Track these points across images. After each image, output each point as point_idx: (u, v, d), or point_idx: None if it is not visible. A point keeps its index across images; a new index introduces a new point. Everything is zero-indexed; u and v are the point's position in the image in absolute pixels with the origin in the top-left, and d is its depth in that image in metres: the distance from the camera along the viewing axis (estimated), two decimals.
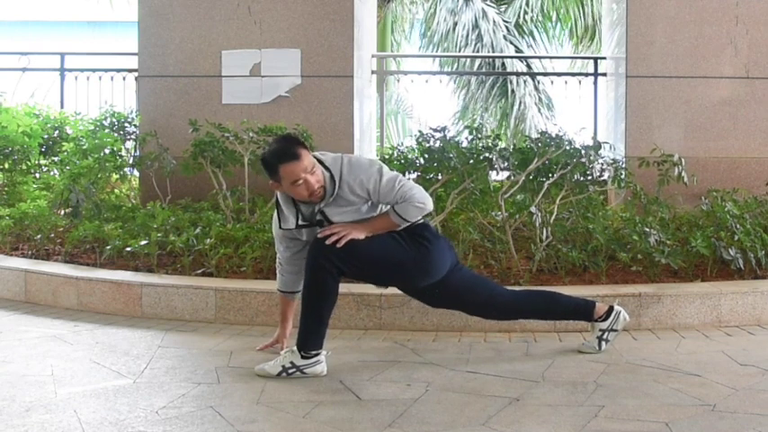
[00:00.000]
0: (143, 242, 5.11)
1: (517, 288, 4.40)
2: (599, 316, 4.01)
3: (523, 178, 5.25)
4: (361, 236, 3.59)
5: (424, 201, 3.63)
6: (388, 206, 3.66)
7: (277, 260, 3.98)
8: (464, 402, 3.30)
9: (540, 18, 14.33)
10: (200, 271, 4.97)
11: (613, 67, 7.08)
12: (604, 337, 4.01)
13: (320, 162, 3.64)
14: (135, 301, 4.78)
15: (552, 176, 5.28)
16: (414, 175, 5.46)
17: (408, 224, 3.67)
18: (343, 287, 4.55)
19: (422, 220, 3.77)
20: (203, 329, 4.48)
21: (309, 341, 3.65)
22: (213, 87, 6.78)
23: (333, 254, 3.56)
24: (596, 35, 13.56)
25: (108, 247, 5.19)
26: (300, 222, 3.72)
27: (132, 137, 6.82)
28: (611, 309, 4.04)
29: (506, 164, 5.34)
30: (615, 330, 4.02)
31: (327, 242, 3.56)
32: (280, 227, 3.80)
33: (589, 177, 5.45)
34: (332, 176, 3.60)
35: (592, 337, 4.04)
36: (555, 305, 4.05)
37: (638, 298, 4.48)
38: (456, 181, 5.34)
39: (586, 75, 7.96)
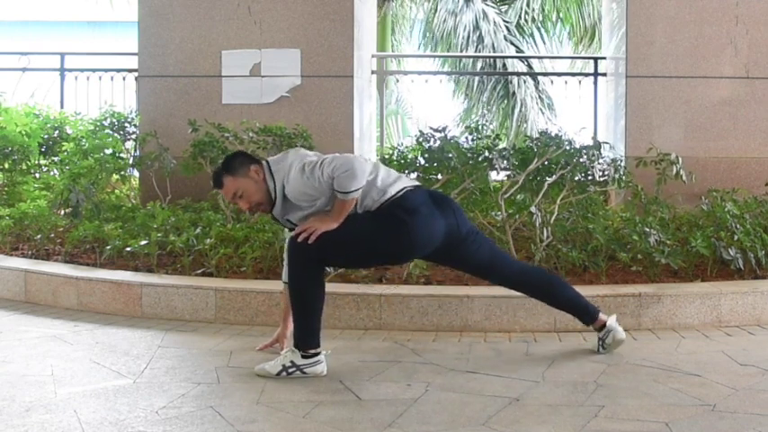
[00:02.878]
0: (143, 242, 5.11)
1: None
2: (599, 325, 3.97)
3: (523, 178, 5.25)
4: (330, 227, 3.60)
5: (348, 165, 3.55)
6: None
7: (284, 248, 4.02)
8: (464, 402, 3.30)
9: (541, 18, 14.33)
10: (200, 271, 4.97)
11: (613, 67, 7.07)
12: (601, 341, 3.99)
13: (271, 171, 3.71)
14: (135, 301, 4.77)
15: (552, 176, 5.28)
16: (414, 175, 5.46)
17: (352, 193, 3.56)
18: (343, 287, 4.58)
19: (401, 192, 3.67)
20: (203, 329, 4.48)
21: (306, 338, 3.65)
22: (213, 87, 6.78)
23: (308, 248, 3.60)
24: (596, 35, 13.56)
25: (108, 247, 5.19)
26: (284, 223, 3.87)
27: (132, 137, 6.83)
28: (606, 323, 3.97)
29: (506, 164, 5.34)
30: (610, 332, 3.95)
31: (299, 239, 3.60)
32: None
33: (589, 177, 5.45)
34: (275, 188, 3.70)
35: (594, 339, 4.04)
36: (560, 291, 4.00)
37: (638, 298, 4.48)
38: (456, 181, 5.34)
39: (586, 75, 7.95)
